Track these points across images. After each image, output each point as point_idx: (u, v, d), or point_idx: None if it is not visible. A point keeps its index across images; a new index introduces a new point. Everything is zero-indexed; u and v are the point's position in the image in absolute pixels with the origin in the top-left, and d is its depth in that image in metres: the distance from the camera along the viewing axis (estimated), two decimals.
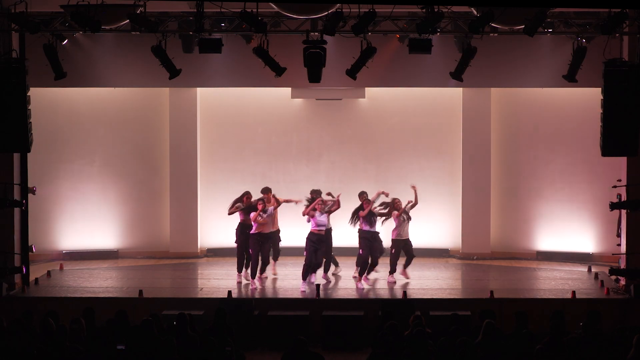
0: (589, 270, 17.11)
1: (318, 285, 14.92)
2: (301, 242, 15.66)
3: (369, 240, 15.45)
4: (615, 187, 15.49)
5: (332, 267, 16.32)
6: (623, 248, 15.73)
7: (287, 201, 16.04)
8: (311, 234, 15.39)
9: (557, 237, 18.68)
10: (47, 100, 18.04)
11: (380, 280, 15.90)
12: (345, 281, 16.05)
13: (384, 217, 15.63)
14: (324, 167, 19.22)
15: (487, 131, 18.78)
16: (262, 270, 15.62)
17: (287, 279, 16.01)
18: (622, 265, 15.62)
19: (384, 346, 10.11)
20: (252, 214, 15.28)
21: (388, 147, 19.14)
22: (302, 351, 10.04)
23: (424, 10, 13.80)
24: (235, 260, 15.97)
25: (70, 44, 16.21)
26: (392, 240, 15.75)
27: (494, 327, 10.61)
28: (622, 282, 15.31)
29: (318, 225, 15.31)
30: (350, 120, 19.17)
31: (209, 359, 10.15)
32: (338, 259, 16.51)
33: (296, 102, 19.01)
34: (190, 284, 16.43)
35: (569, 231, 18.61)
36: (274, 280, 16.02)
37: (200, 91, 18.95)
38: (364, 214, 15.31)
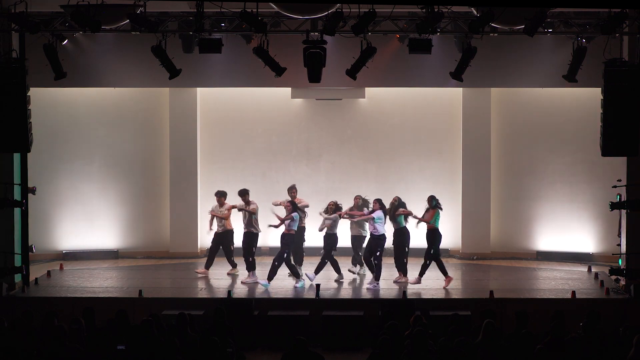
0: (589, 270, 17.12)
1: (318, 285, 14.91)
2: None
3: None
4: (615, 187, 15.49)
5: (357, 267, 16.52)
6: (623, 248, 15.73)
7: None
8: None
9: (557, 237, 18.69)
10: (47, 100, 18.04)
11: (380, 280, 15.88)
12: (345, 281, 16.05)
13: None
14: (324, 167, 19.22)
15: (487, 131, 18.79)
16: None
17: (287, 278, 15.99)
18: (622, 265, 15.62)
19: (384, 346, 10.11)
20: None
21: (388, 147, 19.14)
22: (302, 351, 10.04)
23: (424, 10, 13.80)
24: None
25: (70, 44, 16.21)
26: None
27: (494, 327, 10.60)
28: (622, 282, 15.31)
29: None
30: (350, 120, 19.17)
31: (211, 359, 10.15)
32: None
33: (296, 102, 19.01)
34: (190, 284, 16.42)
35: (569, 231, 18.61)
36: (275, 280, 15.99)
37: (200, 91, 18.95)
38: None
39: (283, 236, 15.57)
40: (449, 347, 10.04)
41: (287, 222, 15.48)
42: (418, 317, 11.50)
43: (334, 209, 15.84)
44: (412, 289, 15.13)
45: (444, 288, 15.23)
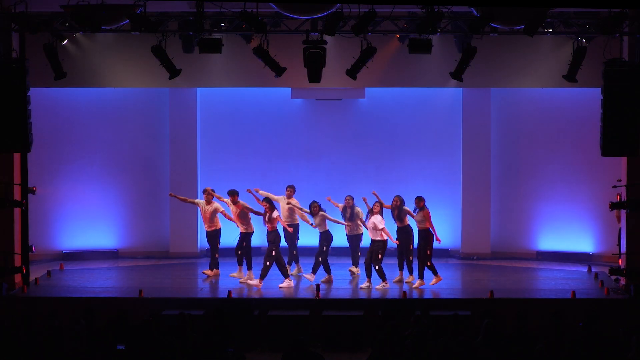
0: (589, 270, 17.11)
1: (318, 285, 14.91)
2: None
3: None
4: (615, 187, 15.50)
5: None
6: (623, 248, 15.73)
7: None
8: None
9: (557, 237, 18.68)
10: (47, 100, 18.03)
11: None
12: (345, 281, 16.05)
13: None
14: (324, 167, 19.21)
15: (487, 131, 18.78)
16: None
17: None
18: (622, 265, 15.62)
19: (384, 346, 10.11)
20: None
21: (388, 147, 19.13)
22: (302, 351, 10.04)
23: (424, 10, 13.81)
24: (234, 260, 16.28)
25: (70, 44, 16.22)
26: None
27: (494, 327, 10.61)
28: (622, 282, 15.32)
29: None
30: (350, 120, 19.17)
31: (211, 359, 10.16)
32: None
33: (296, 102, 19.01)
34: (190, 284, 16.42)
35: (569, 231, 18.61)
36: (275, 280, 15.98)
37: (200, 91, 18.95)
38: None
39: (268, 234, 15.52)
40: (449, 347, 10.04)
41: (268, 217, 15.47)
42: (418, 317, 11.50)
43: (318, 210, 15.85)
44: (412, 289, 15.12)
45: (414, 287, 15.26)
